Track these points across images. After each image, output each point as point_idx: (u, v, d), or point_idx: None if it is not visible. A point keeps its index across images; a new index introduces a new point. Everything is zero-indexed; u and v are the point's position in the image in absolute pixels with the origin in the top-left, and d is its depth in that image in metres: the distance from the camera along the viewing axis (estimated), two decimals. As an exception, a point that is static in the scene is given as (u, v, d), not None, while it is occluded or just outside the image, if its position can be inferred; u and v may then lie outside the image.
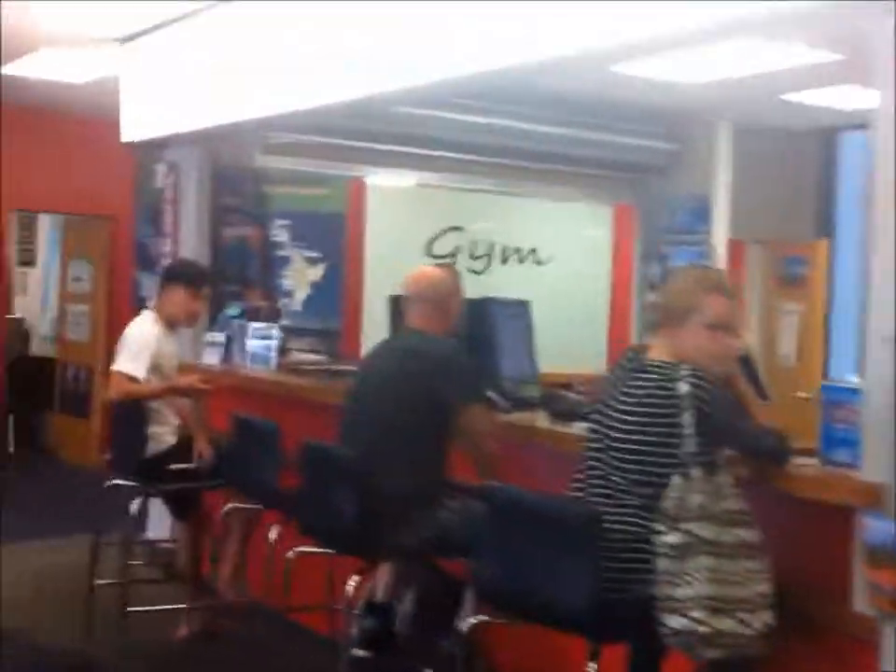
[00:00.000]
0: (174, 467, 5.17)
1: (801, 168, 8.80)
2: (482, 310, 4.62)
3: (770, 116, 8.07)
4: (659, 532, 3.05)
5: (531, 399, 4.72)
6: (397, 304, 5.68)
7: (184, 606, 5.28)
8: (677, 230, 8.59)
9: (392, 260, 10.23)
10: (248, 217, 7.16)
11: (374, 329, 10.06)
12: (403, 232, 10.37)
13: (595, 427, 3.32)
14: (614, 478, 3.19)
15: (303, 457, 4.11)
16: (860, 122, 8.41)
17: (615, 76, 6.75)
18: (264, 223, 7.31)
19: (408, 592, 4.34)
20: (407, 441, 3.95)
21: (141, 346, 5.09)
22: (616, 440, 3.20)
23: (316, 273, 10.34)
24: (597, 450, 3.28)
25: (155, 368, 5.13)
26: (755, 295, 8.81)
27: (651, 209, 8.81)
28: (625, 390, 3.24)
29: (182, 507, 5.43)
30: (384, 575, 4.31)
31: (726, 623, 2.99)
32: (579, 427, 4.13)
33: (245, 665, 4.86)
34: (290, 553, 4.19)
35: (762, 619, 3.04)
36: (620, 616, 3.08)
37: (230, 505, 5.05)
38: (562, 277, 10.15)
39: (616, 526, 3.12)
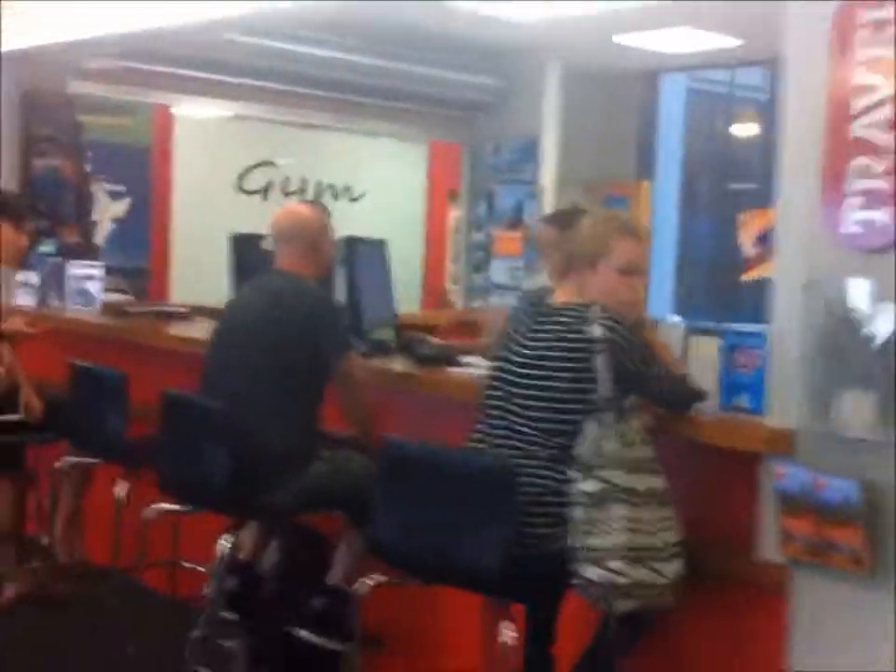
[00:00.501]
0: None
1: (624, 110, 8.81)
2: (343, 249, 4.38)
3: (599, 57, 8.03)
4: (573, 480, 2.93)
5: (389, 344, 4.53)
6: (240, 245, 5.39)
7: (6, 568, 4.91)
8: (504, 168, 8.50)
9: (201, 196, 9.85)
10: (61, 147, 6.65)
11: (184, 269, 9.77)
12: (213, 166, 9.97)
13: (497, 374, 3.16)
14: (521, 427, 3.04)
15: (163, 408, 3.80)
16: (680, 65, 8.66)
17: (444, 7, 6.57)
18: (78, 154, 6.82)
19: (271, 549, 4.10)
20: (279, 390, 3.70)
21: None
22: (523, 386, 3.05)
23: (119, 208, 9.84)
24: (500, 398, 3.12)
25: (-26, 312, 4.70)
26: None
27: (478, 147, 8.67)
28: (531, 335, 3.08)
29: (3, 462, 5.02)
30: (247, 532, 4.05)
31: (641, 573, 2.91)
32: (451, 372, 4.02)
33: (83, 628, 4.55)
34: (148, 512, 3.88)
35: (673, 568, 2.96)
36: (532, 573, 2.94)
37: (66, 459, 4.67)
38: (376, 215, 9.97)
39: (525, 479, 2.97)
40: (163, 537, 4.39)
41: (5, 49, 5.51)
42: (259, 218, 9.21)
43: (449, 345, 4.59)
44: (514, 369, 3.09)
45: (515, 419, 3.06)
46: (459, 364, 4.21)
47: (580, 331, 2.99)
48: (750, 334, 3.25)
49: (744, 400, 3.20)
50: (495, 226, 8.56)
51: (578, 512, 2.92)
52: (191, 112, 9.05)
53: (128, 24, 5.60)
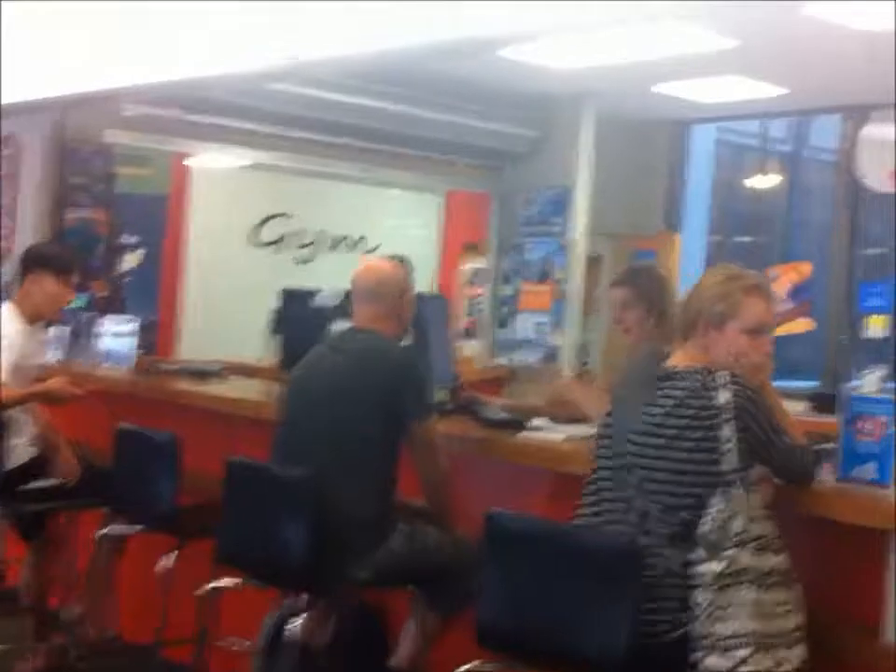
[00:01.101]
0: (34, 485, 4.52)
1: (653, 160, 8.67)
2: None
3: (634, 106, 7.89)
4: (697, 561, 2.70)
5: (445, 405, 4.31)
6: (290, 300, 5.18)
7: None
8: (534, 220, 8.31)
9: (215, 247, 9.64)
10: (94, 198, 6.45)
11: (194, 323, 9.54)
12: (227, 217, 9.77)
13: (608, 442, 2.93)
14: (639, 501, 2.81)
15: (231, 477, 3.56)
16: (709, 115, 8.53)
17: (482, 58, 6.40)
18: (110, 205, 6.61)
19: (327, 628, 3.84)
20: (361, 457, 3.47)
21: (2, 345, 4.40)
22: (641, 456, 2.82)
23: (133, 259, 9.62)
24: (612, 468, 2.89)
25: (17, 370, 4.46)
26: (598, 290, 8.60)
27: (508, 198, 8.49)
28: (650, 400, 2.87)
29: (32, 527, 4.76)
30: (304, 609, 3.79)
31: (767, 662, 2.68)
32: (529, 437, 3.79)
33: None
34: (206, 588, 3.64)
35: (797, 654, 2.73)
36: (653, 662, 2.70)
37: (112, 527, 4.41)
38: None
39: (647, 559, 2.73)
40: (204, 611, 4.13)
41: (44, 94, 5.32)
42: (271, 271, 9.08)
43: (515, 407, 4.38)
44: (631, 436, 2.87)
45: (633, 492, 2.83)
46: (528, 428, 3.99)
47: (704, 397, 2.78)
48: (877, 400, 3.04)
49: (868, 471, 2.98)
50: (521, 279, 8.37)
51: (702, 596, 2.69)
52: (208, 161, 8.87)
53: (166, 73, 5.43)
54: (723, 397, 2.77)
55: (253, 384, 5.41)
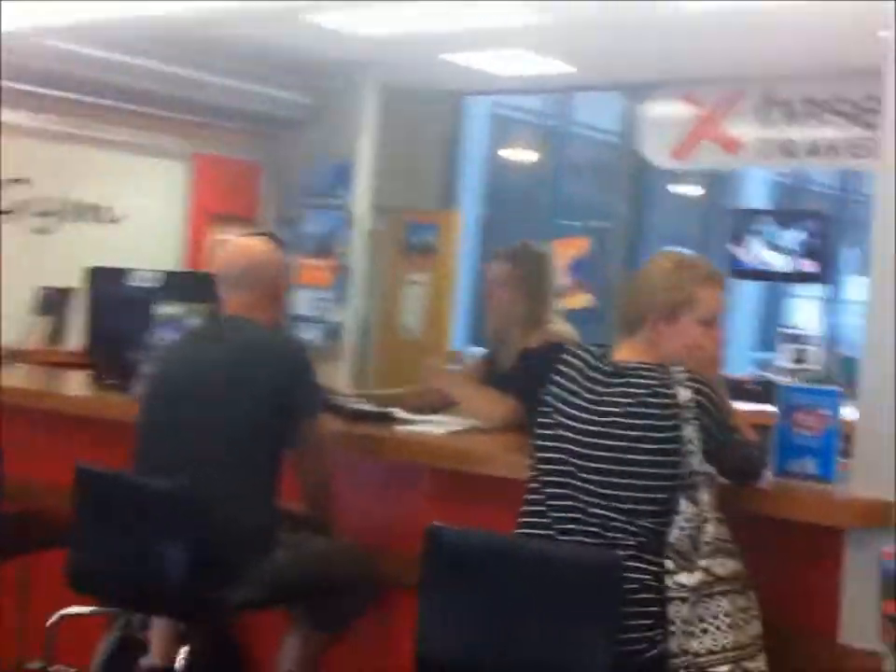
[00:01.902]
0: None
1: (434, 133, 8.46)
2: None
3: (416, 77, 7.66)
4: (668, 572, 2.48)
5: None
6: (100, 280, 4.65)
7: None
8: (313, 192, 7.93)
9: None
10: None
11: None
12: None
13: (548, 444, 2.66)
14: (597, 510, 2.55)
15: (81, 489, 3.06)
16: (492, 88, 8.39)
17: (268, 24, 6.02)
18: None
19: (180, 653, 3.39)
20: (244, 462, 3.06)
21: None
22: (595, 459, 2.57)
23: None
24: (561, 473, 2.62)
25: None
26: (377, 265, 8.34)
27: (283, 168, 8.06)
28: (597, 398, 2.61)
29: None
30: (158, 631, 3.34)
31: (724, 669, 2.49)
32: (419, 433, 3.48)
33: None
34: (55, 617, 3.14)
35: (759, 665, 2.56)
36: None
37: None
38: (136, 237, 9.14)
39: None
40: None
41: None
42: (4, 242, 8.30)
43: (373, 397, 4.05)
44: (581, 438, 2.60)
45: (588, 499, 2.57)
46: (398, 421, 3.68)
47: (665, 395, 2.55)
48: (817, 392, 2.90)
49: (808, 466, 2.84)
50: (299, 254, 7.96)
51: (676, 610, 2.47)
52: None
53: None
54: (683, 395, 2.55)
55: (55, 373, 4.84)
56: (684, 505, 2.52)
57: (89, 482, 3.08)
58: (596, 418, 2.60)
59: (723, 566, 2.52)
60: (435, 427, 3.60)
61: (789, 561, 2.81)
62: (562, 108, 9.60)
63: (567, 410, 2.66)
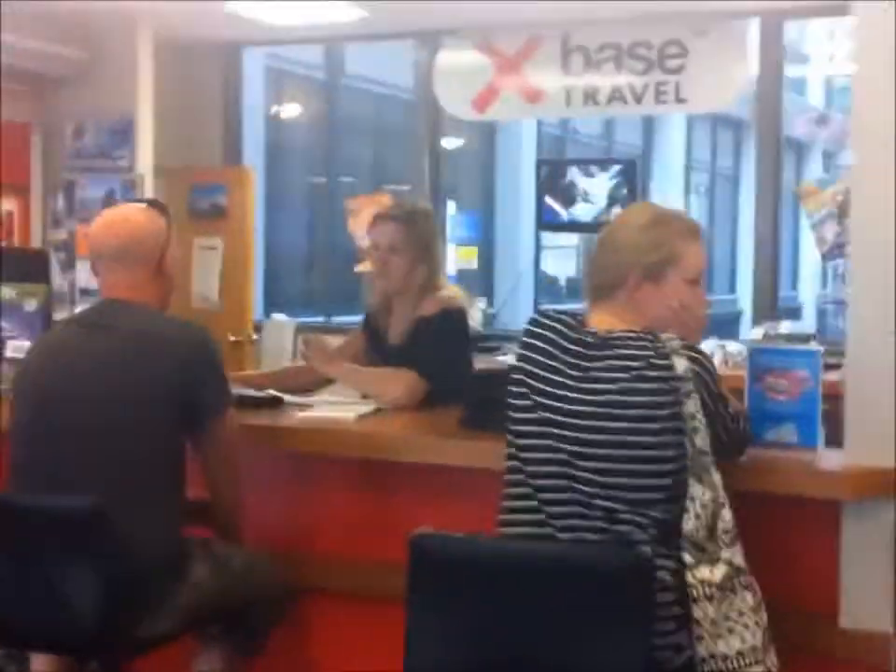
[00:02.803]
0: None
1: (212, 87, 7.91)
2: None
3: (193, 27, 7.12)
4: (687, 567, 2.22)
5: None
6: None
7: None
8: (89, 154, 7.26)
9: None
10: None
11: None
12: None
13: (535, 430, 2.35)
14: (598, 501, 2.27)
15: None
16: (271, 38, 7.91)
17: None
18: None
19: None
20: (150, 471, 2.62)
21: None
22: (591, 444, 2.28)
23: None
24: (550, 462, 2.32)
25: None
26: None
27: (53, 129, 7.34)
28: (582, 374, 2.32)
29: None
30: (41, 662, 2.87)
31: None
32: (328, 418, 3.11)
33: None
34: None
35: (772, 659, 2.34)
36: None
37: None
38: None
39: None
40: None
41: None
42: None
43: (240, 378, 3.64)
44: (572, 422, 2.31)
45: (589, 490, 2.28)
46: (292, 405, 3.31)
47: (662, 367, 2.28)
48: (791, 352, 2.70)
49: (786, 433, 2.65)
50: (77, 221, 7.29)
51: (702, 610, 2.21)
52: None
53: None
54: (681, 365, 2.29)
55: None
56: (698, 490, 2.26)
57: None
58: (587, 397, 2.30)
59: (741, 554, 2.29)
60: (339, 410, 3.23)
61: (779, 540, 2.61)
62: (341, 61, 9.20)
63: (548, 389, 2.35)
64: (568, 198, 7.03)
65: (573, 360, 2.36)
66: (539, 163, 7.55)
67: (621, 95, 6.85)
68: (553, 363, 2.37)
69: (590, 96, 6.94)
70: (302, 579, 2.97)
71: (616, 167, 6.98)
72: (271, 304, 8.43)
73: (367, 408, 3.26)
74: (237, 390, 3.26)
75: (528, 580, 2.14)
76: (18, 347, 3.39)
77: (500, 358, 5.62)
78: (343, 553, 3.02)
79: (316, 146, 9.19)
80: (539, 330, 2.43)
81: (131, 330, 2.69)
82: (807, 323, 12.59)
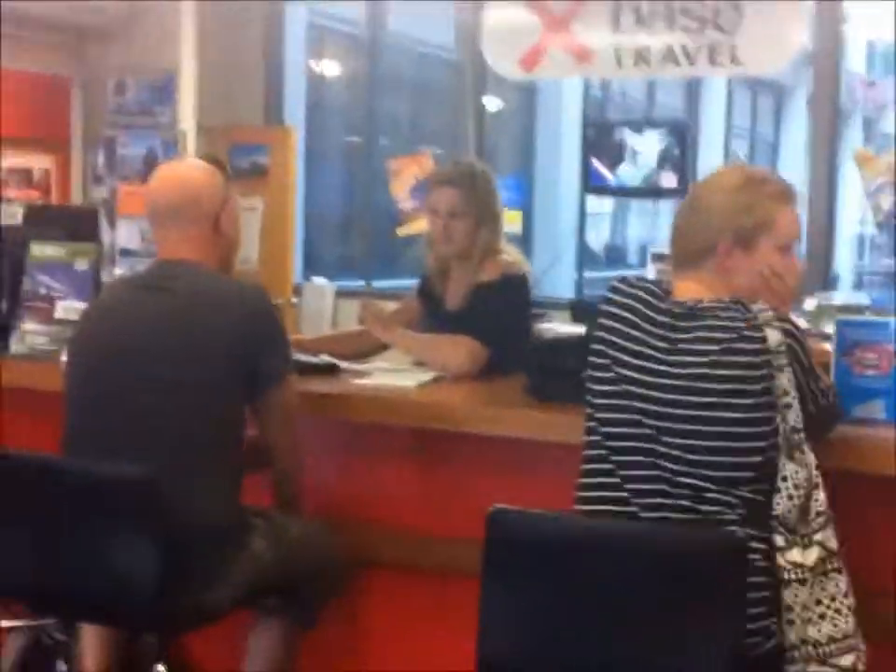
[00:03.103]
0: None
1: (252, 44, 7.77)
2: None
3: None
4: (779, 549, 2.11)
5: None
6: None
7: None
8: (130, 110, 7.16)
9: None
10: None
11: None
12: None
13: (617, 403, 2.24)
14: (686, 479, 2.16)
15: (18, 481, 2.47)
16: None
17: None
18: None
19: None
20: (210, 439, 2.53)
21: None
22: (679, 419, 2.16)
23: None
24: (632, 438, 2.21)
25: None
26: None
27: (93, 84, 7.24)
28: (671, 346, 2.20)
29: None
30: (91, 640, 2.79)
31: (860, 665, 2.17)
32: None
33: None
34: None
35: (861, 644, 2.23)
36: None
37: None
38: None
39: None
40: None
41: None
42: None
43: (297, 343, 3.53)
44: (657, 395, 2.19)
45: (674, 467, 2.17)
46: (350, 372, 3.21)
47: (754, 339, 2.16)
48: (875, 324, 2.58)
49: (875, 409, 2.53)
50: (118, 179, 7.20)
51: (794, 594, 2.11)
52: None
53: None
54: (774, 337, 2.17)
55: None
56: (791, 469, 2.15)
57: (13, 470, 2.48)
58: (674, 370, 2.19)
59: (834, 537, 2.18)
60: (398, 377, 3.13)
61: (867, 520, 2.48)
62: (383, 18, 9.02)
63: (633, 361, 2.24)
64: (615, 160, 6.88)
65: (659, 331, 2.24)
66: (587, 124, 7.40)
67: (673, 56, 6.68)
68: (638, 334, 2.26)
69: (641, 56, 6.77)
70: (360, 551, 2.88)
71: (665, 128, 6.83)
72: (309, 267, 8.30)
73: (426, 376, 3.16)
74: (299, 356, 3.18)
75: (615, 560, 2.03)
76: (68, 308, 3.29)
77: (546, 326, 5.50)
78: (402, 525, 2.93)
79: (356, 104, 9.03)
80: (622, 299, 2.31)
81: (188, 293, 2.59)
82: (843, 294, 12.39)
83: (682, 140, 6.79)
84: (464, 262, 3.46)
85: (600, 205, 10.91)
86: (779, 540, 2.12)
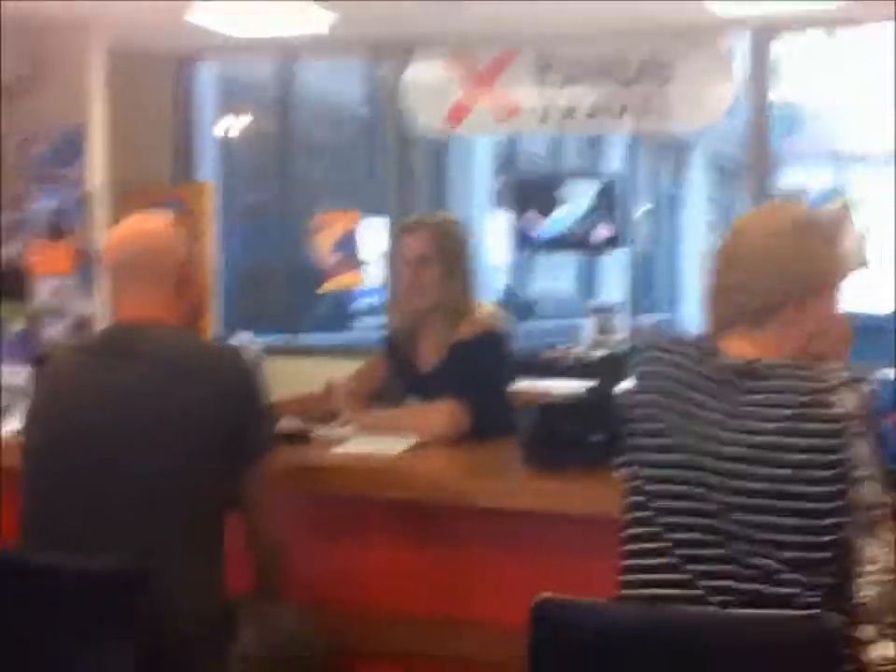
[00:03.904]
0: None
1: (164, 99, 7.50)
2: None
3: (149, 36, 6.73)
4: (865, 642, 1.89)
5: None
6: None
7: None
8: (40, 166, 6.79)
9: None
10: None
11: None
12: None
13: (672, 474, 2.01)
14: (758, 560, 1.93)
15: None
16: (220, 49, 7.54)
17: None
18: None
19: None
20: (192, 523, 2.24)
21: None
22: (750, 494, 1.94)
23: None
24: (698, 513, 1.98)
25: None
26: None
27: (4, 141, 6.85)
28: (734, 410, 1.99)
29: None
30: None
31: None
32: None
33: None
34: None
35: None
36: None
37: None
38: None
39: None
40: None
41: None
42: None
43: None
44: (722, 465, 1.96)
45: (744, 548, 1.93)
46: (322, 441, 2.95)
47: (826, 403, 1.95)
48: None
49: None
50: (30, 237, 6.80)
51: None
52: None
53: None
54: (850, 401, 1.95)
55: None
56: (875, 550, 1.93)
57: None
58: (741, 437, 1.97)
59: None
60: (377, 444, 2.87)
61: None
62: (292, 76, 8.80)
63: (692, 427, 2.00)
64: (544, 212, 6.76)
65: (718, 395, 2.02)
66: (513, 176, 7.27)
67: (601, 109, 6.58)
68: (695, 395, 2.02)
69: (569, 112, 6.66)
70: (347, 638, 2.60)
71: (597, 180, 6.75)
72: (229, 324, 8.00)
73: (405, 442, 2.91)
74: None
75: (699, 655, 1.77)
76: (8, 374, 2.98)
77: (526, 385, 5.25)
78: (398, 609, 2.66)
79: (269, 162, 8.80)
80: (668, 357, 2.08)
81: (155, 358, 2.30)
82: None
83: (614, 192, 6.70)
84: (436, 317, 3.24)
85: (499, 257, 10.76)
86: (868, 632, 1.90)
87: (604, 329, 6.29)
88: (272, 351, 6.77)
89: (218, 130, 8.47)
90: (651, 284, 14.94)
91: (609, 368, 5.10)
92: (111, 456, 2.22)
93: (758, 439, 1.95)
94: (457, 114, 6.95)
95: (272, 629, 2.37)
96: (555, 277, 13.49)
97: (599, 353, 6.02)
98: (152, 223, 2.51)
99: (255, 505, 2.37)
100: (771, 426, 1.95)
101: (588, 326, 6.28)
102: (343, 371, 4.06)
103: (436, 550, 2.66)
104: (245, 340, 7.12)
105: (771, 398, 1.97)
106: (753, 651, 1.78)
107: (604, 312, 6.32)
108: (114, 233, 2.52)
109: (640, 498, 2.04)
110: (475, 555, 2.59)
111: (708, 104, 6.42)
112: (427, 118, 6.99)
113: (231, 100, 8.86)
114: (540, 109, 6.73)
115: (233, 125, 8.93)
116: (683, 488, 1.99)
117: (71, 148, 6.76)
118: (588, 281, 13.94)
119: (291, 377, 5.53)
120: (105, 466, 2.21)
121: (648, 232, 14.78)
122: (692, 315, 14.87)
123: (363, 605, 2.67)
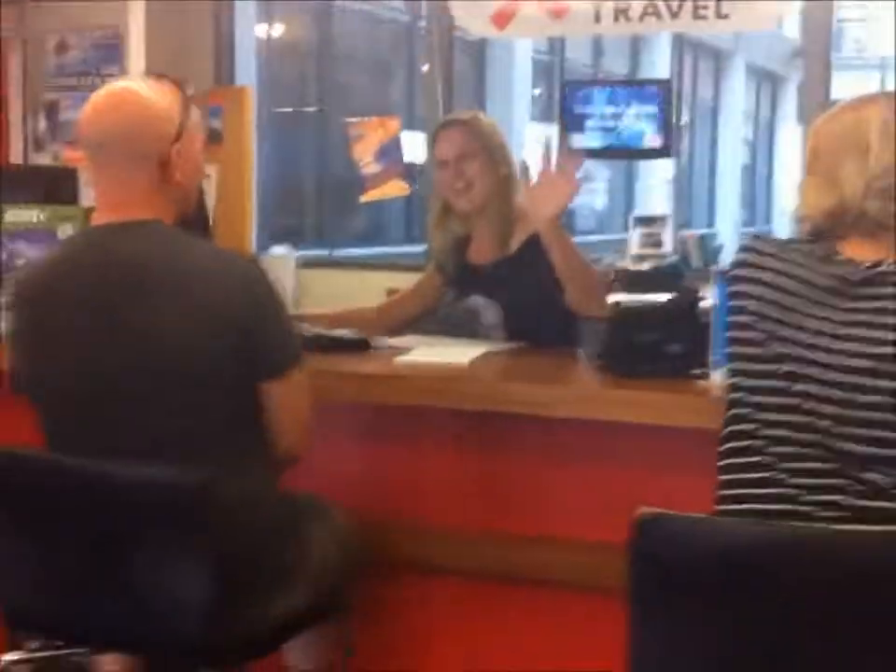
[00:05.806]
0: None
1: (201, 3, 7.29)
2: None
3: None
4: None
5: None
6: None
7: None
8: (73, 71, 6.63)
9: None
10: None
11: None
12: None
13: (777, 385, 1.87)
14: (865, 475, 1.79)
15: (17, 488, 2.05)
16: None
17: None
18: None
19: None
20: (229, 427, 2.11)
21: None
22: (863, 407, 1.80)
23: None
24: (806, 428, 1.84)
25: None
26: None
27: (36, 43, 6.69)
28: (849, 319, 1.84)
29: None
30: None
31: None
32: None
33: None
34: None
35: None
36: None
37: None
38: None
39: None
40: None
41: None
42: None
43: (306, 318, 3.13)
44: (834, 378, 1.83)
45: (852, 462, 1.80)
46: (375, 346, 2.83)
47: None
48: None
49: None
50: (62, 144, 6.67)
51: None
52: None
53: None
54: None
55: None
56: None
57: (25, 474, 2.06)
58: (855, 347, 1.82)
59: None
60: (444, 353, 2.74)
61: None
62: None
63: (798, 336, 1.86)
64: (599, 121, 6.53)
65: (829, 300, 1.87)
66: (570, 84, 7.04)
67: (655, 10, 6.32)
68: (800, 302, 1.88)
69: (621, 11, 6.41)
70: (402, 553, 2.51)
71: (649, 90, 6.49)
72: (267, 237, 7.87)
73: (475, 350, 2.78)
74: (315, 330, 2.79)
75: (831, 579, 1.64)
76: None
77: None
78: (465, 525, 2.55)
79: (307, 71, 8.61)
80: (773, 262, 1.94)
81: (192, 269, 2.07)
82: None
83: (667, 101, 6.46)
84: (488, 214, 3.11)
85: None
86: None
87: (649, 243, 6.10)
88: (308, 264, 6.71)
89: (259, 34, 8.29)
90: (688, 198, 14.72)
91: (657, 282, 4.96)
92: (142, 366, 2.04)
93: (875, 350, 1.81)
94: (504, 16, 6.72)
95: (331, 518, 2.27)
96: (591, 190, 13.28)
97: (645, 266, 5.85)
98: (139, 93, 2.15)
99: (275, 422, 2.17)
100: (890, 335, 1.81)
101: (633, 238, 6.09)
102: (379, 284, 3.97)
103: (500, 463, 2.55)
104: (281, 253, 7.05)
105: (889, 305, 1.83)
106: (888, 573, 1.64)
107: (650, 224, 6.11)
108: (89, 106, 2.17)
109: (743, 411, 1.91)
110: (543, 469, 2.48)
111: (765, 7, 6.17)
112: (473, 20, 6.77)
113: (271, 6, 8.66)
114: (592, 9, 6.49)
115: (273, 32, 8.73)
116: (790, 400, 1.85)
117: (109, 51, 6.61)
118: (627, 194, 13.72)
119: (327, 290, 5.45)
120: (138, 375, 2.05)
121: (685, 145, 14.53)
122: (727, 231, 14.67)
123: (425, 519, 2.57)
